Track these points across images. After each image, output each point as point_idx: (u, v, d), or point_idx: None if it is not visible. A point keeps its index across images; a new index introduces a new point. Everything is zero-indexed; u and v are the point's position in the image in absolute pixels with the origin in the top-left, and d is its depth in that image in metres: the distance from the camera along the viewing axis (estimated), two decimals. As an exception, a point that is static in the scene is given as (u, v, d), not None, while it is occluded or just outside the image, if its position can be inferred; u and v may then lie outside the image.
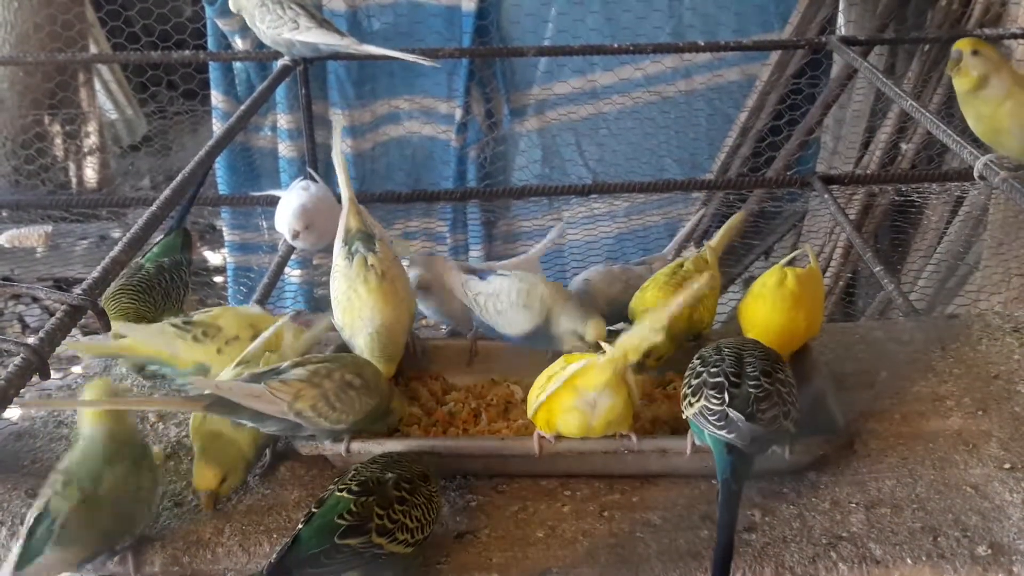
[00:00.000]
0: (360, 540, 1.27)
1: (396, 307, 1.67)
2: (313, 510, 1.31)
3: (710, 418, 1.37)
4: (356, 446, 1.50)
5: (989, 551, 1.36)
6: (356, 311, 1.66)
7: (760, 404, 1.37)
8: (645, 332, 1.38)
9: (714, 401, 1.38)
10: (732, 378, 1.40)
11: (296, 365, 1.47)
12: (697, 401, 1.40)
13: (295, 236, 2.27)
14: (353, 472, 1.37)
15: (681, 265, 1.83)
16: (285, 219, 2.29)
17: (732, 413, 1.35)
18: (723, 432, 1.35)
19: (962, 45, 1.75)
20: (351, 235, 1.75)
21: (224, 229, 4.01)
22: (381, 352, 1.61)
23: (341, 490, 1.32)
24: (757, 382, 1.39)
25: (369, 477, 1.34)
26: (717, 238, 1.96)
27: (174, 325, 1.67)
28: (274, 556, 1.26)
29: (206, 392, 1.42)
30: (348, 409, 1.47)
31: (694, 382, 1.43)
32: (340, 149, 1.84)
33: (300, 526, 1.29)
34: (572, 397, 1.42)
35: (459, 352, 1.82)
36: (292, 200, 2.30)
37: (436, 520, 1.37)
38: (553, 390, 1.42)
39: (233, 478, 1.49)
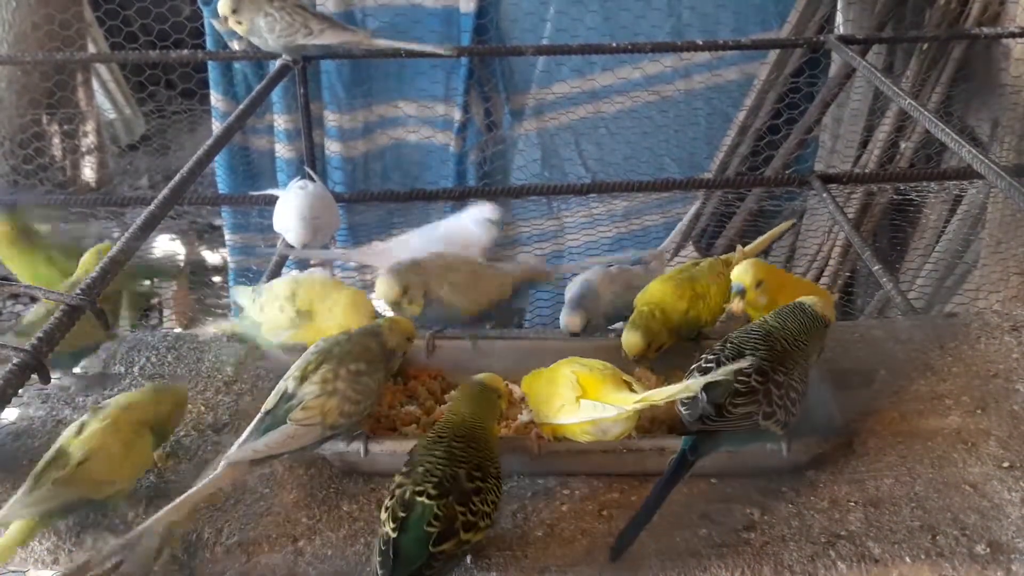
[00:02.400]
0: (452, 543, 1.28)
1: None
2: (401, 514, 1.29)
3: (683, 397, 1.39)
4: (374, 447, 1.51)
5: (988, 549, 1.36)
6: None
7: (736, 399, 1.38)
8: (676, 390, 1.36)
9: (697, 375, 1.41)
10: (724, 363, 1.41)
11: (301, 381, 1.45)
12: (687, 378, 1.43)
13: (303, 242, 2.27)
14: (423, 468, 1.34)
15: (696, 263, 1.87)
16: (289, 224, 2.28)
17: (701, 395, 1.38)
18: (682, 408, 1.40)
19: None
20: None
21: (225, 232, 4.01)
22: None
23: (421, 494, 1.30)
24: (745, 378, 1.39)
25: (443, 476, 1.32)
26: (754, 244, 2.01)
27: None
28: (379, 570, 1.26)
29: (246, 460, 1.39)
30: (368, 395, 1.47)
31: (692, 367, 1.46)
32: None
33: (392, 533, 1.28)
34: (589, 425, 1.43)
35: (459, 351, 1.82)
36: (292, 202, 2.29)
37: (502, 490, 1.38)
38: (572, 422, 1.42)
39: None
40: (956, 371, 1.79)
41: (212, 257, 4.40)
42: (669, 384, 1.70)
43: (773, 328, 1.49)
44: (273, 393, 1.47)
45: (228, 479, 1.40)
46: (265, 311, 1.79)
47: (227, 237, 3.99)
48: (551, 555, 1.39)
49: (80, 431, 1.44)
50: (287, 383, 1.46)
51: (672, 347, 1.77)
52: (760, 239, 2.06)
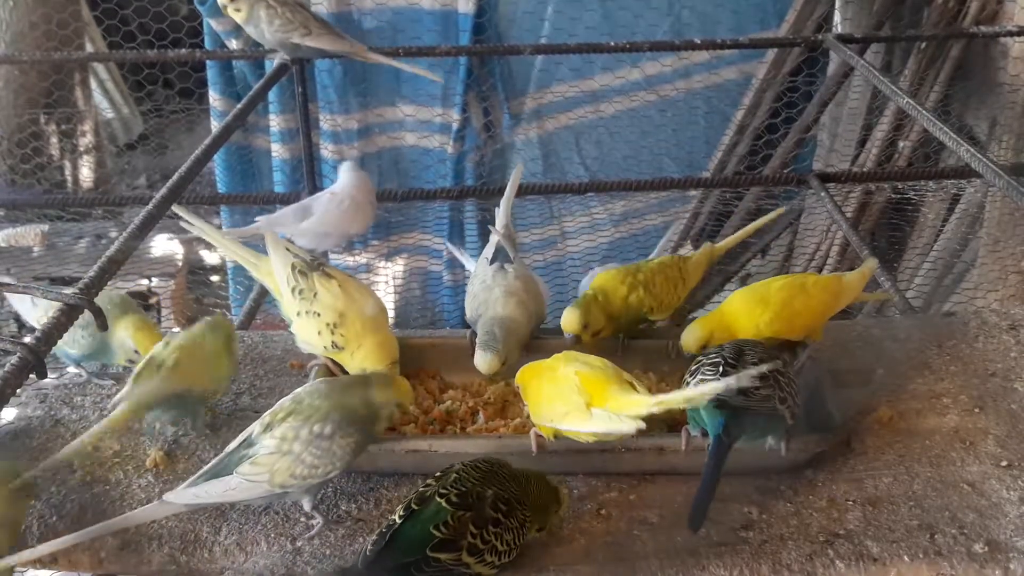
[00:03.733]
0: (451, 556, 1.25)
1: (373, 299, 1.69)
2: (414, 507, 1.29)
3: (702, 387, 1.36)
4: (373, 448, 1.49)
5: (986, 548, 1.36)
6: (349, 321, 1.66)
7: (759, 381, 1.38)
8: (693, 394, 1.33)
9: (709, 373, 1.41)
10: (730, 361, 1.43)
11: (264, 430, 1.40)
12: (692, 380, 1.43)
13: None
14: (455, 475, 1.33)
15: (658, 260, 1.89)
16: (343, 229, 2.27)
17: (725, 377, 1.37)
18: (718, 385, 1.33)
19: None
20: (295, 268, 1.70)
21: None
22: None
23: (442, 496, 1.29)
24: (756, 365, 1.40)
25: (470, 489, 1.30)
26: (726, 241, 2.01)
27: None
28: (369, 547, 1.26)
29: (180, 503, 1.36)
30: (329, 459, 1.39)
31: (692, 368, 1.46)
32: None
33: (398, 520, 1.28)
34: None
35: (456, 350, 1.82)
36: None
37: (521, 546, 1.33)
38: (584, 431, 1.39)
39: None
40: (954, 370, 1.80)
41: (210, 257, 4.40)
42: (664, 383, 1.73)
43: None
44: (242, 433, 1.43)
45: (160, 514, 1.41)
46: (302, 323, 1.69)
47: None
48: (549, 554, 1.39)
49: (167, 345, 1.60)
50: (254, 427, 1.42)
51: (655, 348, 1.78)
52: (736, 235, 2.04)
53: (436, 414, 1.67)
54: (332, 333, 1.64)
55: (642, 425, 1.31)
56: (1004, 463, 1.53)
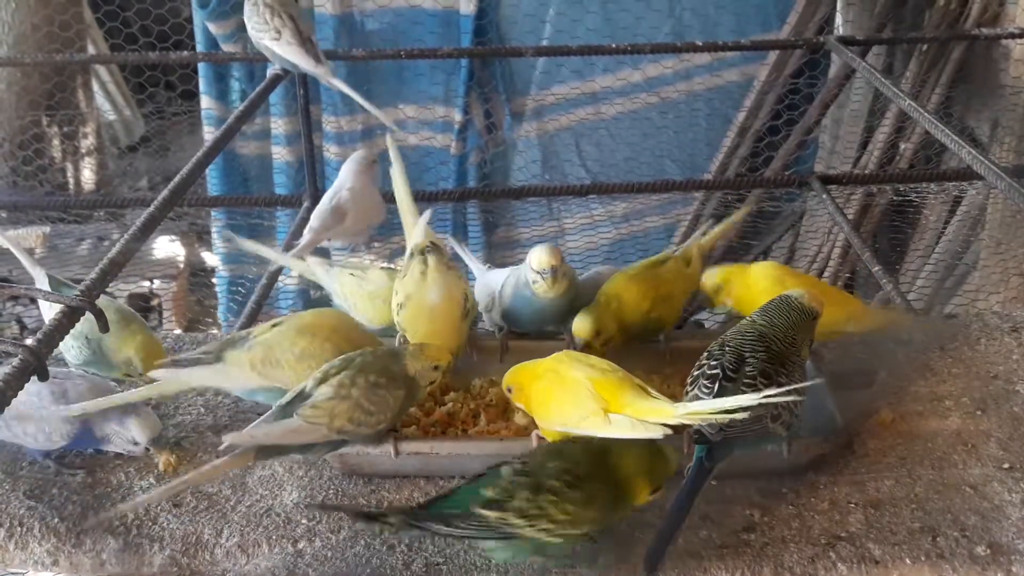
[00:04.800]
0: (496, 515, 1.28)
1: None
2: (480, 475, 1.34)
3: (700, 396, 1.38)
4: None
5: (988, 551, 1.36)
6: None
7: (745, 407, 1.35)
8: (722, 406, 1.31)
9: (704, 391, 1.39)
10: (729, 373, 1.41)
11: (319, 383, 1.45)
12: (691, 390, 1.42)
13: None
14: (543, 452, 1.37)
15: (663, 261, 1.85)
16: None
17: (721, 390, 1.37)
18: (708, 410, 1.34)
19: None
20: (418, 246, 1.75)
21: (215, 240, 3.99)
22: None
23: (509, 464, 1.33)
24: (752, 381, 1.39)
25: (537, 460, 1.34)
26: (709, 236, 1.96)
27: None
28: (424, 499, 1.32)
29: (247, 446, 1.41)
30: (383, 409, 1.45)
31: (695, 373, 1.44)
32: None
33: (463, 483, 1.34)
34: None
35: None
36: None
37: (598, 519, 1.33)
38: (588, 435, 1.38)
39: None
40: (956, 372, 1.79)
41: (211, 259, 4.40)
42: (667, 385, 1.73)
43: (763, 328, 1.47)
44: (291, 391, 1.47)
45: (231, 465, 1.42)
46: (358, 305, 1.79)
47: (217, 247, 3.97)
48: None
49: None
50: (306, 383, 1.46)
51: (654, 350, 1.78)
52: (715, 231, 1.98)
53: (438, 416, 1.67)
54: (398, 314, 1.69)
55: (668, 431, 1.31)
56: (1006, 465, 1.53)
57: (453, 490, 1.34)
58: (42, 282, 1.78)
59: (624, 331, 1.73)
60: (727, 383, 1.39)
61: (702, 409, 1.32)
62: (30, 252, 3.68)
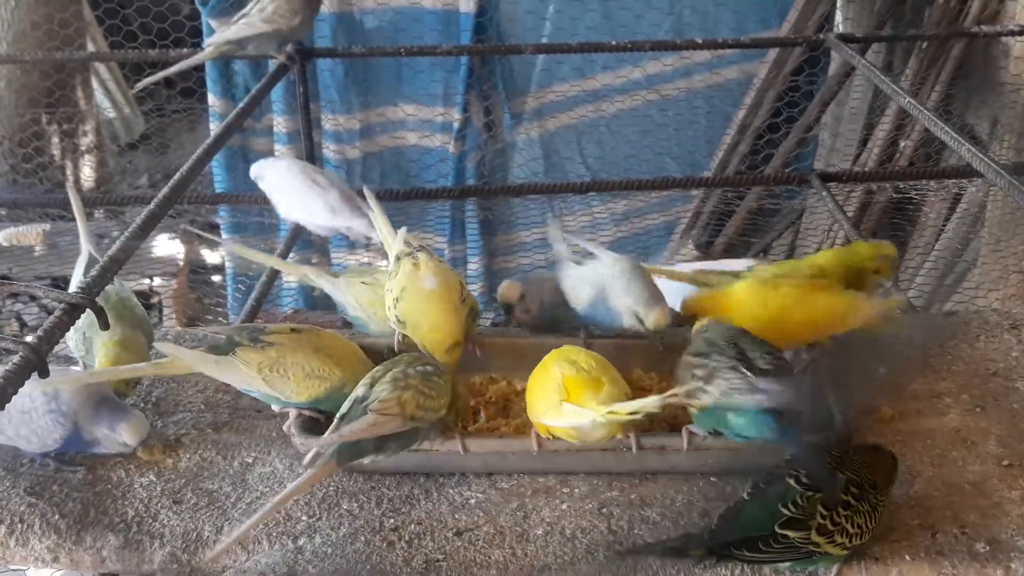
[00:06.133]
0: (799, 535, 1.29)
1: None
2: (761, 485, 1.33)
3: (738, 396, 1.36)
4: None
5: (987, 547, 1.36)
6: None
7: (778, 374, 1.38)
8: (646, 404, 1.36)
9: (737, 381, 1.37)
10: (741, 362, 1.41)
11: (372, 384, 1.45)
12: (713, 388, 1.39)
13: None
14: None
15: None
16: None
17: (758, 382, 1.35)
18: (760, 397, 1.34)
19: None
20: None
21: (222, 233, 3.99)
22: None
23: (791, 476, 1.33)
24: (766, 359, 1.40)
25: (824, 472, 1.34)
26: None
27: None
28: (715, 522, 1.31)
29: (334, 448, 1.41)
30: (442, 392, 1.46)
31: (699, 373, 1.42)
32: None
33: (745, 496, 1.33)
34: (572, 427, 1.43)
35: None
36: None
37: (876, 527, 1.35)
38: (556, 425, 1.43)
39: None
40: (956, 369, 1.80)
41: (211, 256, 4.40)
42: (666, 383, 1.73)
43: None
44: (347, 400, 1.46)
45: (319, 477, 1.43)
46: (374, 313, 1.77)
47: (224, 238, 3.98)
48: (551, 553, 1.39)
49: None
50: (358, 390, 1.46)
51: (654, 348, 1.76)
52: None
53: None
54: (395, 308, 1.67)
55: (598, 417, 1.36)
56: (1005, 462, 1.53)
57: (736, 509, 1.33)
58: (83, 259, 1.82)
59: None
60: (751, 369, 1.38)
61: (624, 409, 1.35)
62: (30, 250, 3.69)
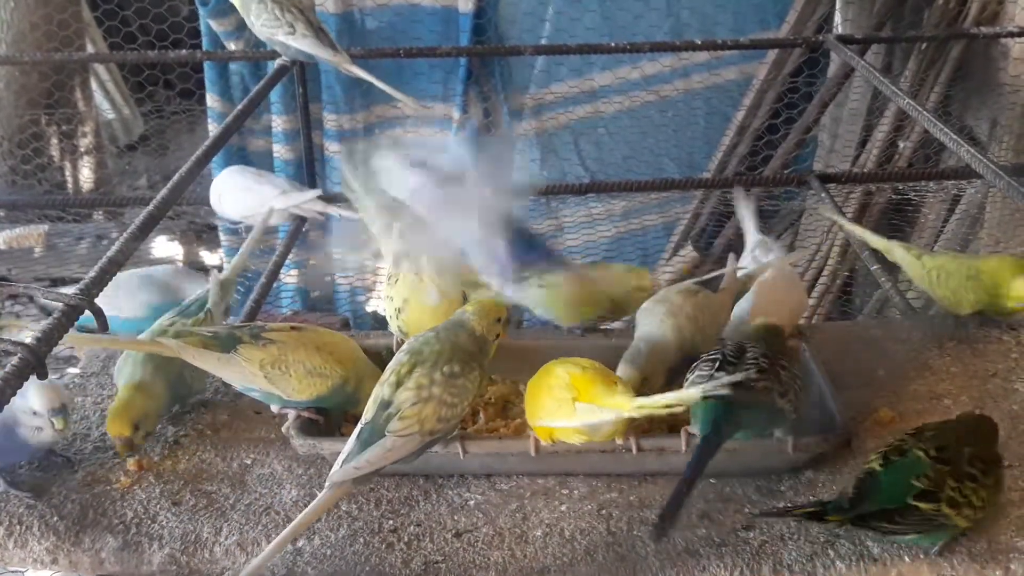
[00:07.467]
0: (931, 507, 1.31)
1: None
2: (892, 457, 1.35)
3: (697, 380, 1.40)
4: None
5: (987, 548, 1.36)
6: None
7: (756, 374, 1.39)
8: (673, 398, 1.33)
9: (704, 368, 1.42)
10: (730, 358, 1.43)
11: (397, 386, 1.42)
12: (690, 376, 1.44)
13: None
14: (932, 432, 1.40)
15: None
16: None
17: (718, 373, 1.39)
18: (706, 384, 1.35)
19: None
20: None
21: (220, 233, 4.00)
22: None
23: (921, 449, 1.35)
24: (755, 361, 1.42)
25: (947, 444, 1.36)
26: None
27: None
28: (851, 491, 1.33)
29: (349, 479, 1.38)
30: (464, 396, 1.44)
31: (692, 365, 1.47)
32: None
33: (877, 467, 1.35)
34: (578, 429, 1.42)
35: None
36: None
37: (996, 502, 1.39)
38: (570, 425, 1.41)
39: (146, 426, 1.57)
40: (955, 371, 1.80)
41: (210, 258, 4.40)
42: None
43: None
44: (371, 401, 1.44)
45: (335, 499, 1.41)
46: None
47: (222, 239, 3.98)
48: (551, 554, 1.39)
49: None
50: (383, 390, 1.43)
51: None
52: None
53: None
54: (397, 318, 1.69)
55: (622, 415, 1.35)
56: (1005, 463, 1.53)
57: (868, 481, 1.34)
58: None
59: None
60: (729, 366, 1.41)
61: (654, 403, 1.33)
62: (29, 251, 3.69)
